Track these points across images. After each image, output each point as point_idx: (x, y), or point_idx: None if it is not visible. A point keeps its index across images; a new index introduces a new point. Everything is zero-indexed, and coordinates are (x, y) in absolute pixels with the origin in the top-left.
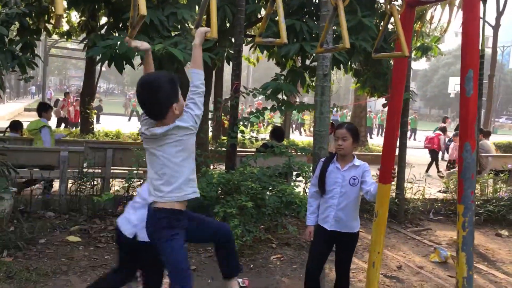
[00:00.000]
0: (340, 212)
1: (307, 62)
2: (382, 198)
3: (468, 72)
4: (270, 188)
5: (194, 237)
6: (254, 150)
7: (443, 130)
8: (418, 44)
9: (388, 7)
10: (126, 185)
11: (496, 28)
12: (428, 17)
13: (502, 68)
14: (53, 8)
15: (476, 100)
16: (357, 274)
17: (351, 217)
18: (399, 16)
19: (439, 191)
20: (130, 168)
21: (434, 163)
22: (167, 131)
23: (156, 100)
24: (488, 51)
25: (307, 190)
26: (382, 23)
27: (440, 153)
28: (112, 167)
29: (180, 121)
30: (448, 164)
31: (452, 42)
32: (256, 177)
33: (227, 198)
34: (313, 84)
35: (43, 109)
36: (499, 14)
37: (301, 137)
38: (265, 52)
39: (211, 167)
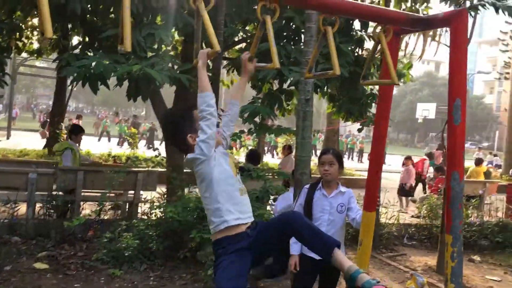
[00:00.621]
0: None
1: (285, 86)
2: (367, 226)
3: (455, 100)
4: None
5: (267, 243)
6: None
7: (429, 155)
8: None
9: (377, 34)
10: (98, 209)
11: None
12: (403, 44)
13: (467, 95)
14: (31, 28)
15: (464, 128)
16: None
17: None
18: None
19: (412, 216)
20: (102, 191)
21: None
22: (188, 165)
23: (172, 134)
24: None
25: None
26: (358, 49)
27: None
28: (83, 190)
29: (189, 154)
30: (401, 188)
31: (419, 69)
32: None
33: (204, 223)
34: (289, 108)
35: (73, 132)
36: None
37: (274, 160)
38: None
39: (186, 190)
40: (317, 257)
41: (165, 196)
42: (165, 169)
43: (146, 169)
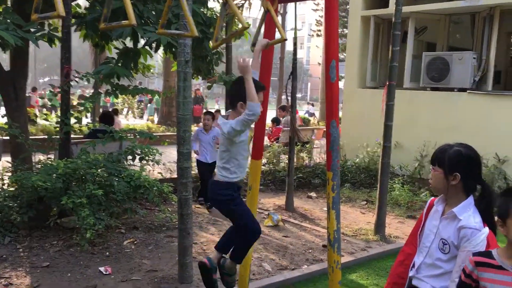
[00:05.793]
0: None
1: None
2: (255, 173)
3: (332, 62)
4: (117, 174)
5: None
6: (81, 136)
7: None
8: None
9: (265, 3)
10: None
11: (283, 14)
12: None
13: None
14: None
15: (338, 85)
16: (210, 246)
17: None
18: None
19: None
20: None
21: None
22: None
23: (237, 92)
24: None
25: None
26: (203, 9)
27: None
28: None
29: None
30: None
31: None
32: (102, 164)
33: (73, 188)
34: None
35: None
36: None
37: (128, 121)
38: (79, 33)
39: (42, 157)
40: None
41: (16, 164)
42: (8, 137)
43: None
